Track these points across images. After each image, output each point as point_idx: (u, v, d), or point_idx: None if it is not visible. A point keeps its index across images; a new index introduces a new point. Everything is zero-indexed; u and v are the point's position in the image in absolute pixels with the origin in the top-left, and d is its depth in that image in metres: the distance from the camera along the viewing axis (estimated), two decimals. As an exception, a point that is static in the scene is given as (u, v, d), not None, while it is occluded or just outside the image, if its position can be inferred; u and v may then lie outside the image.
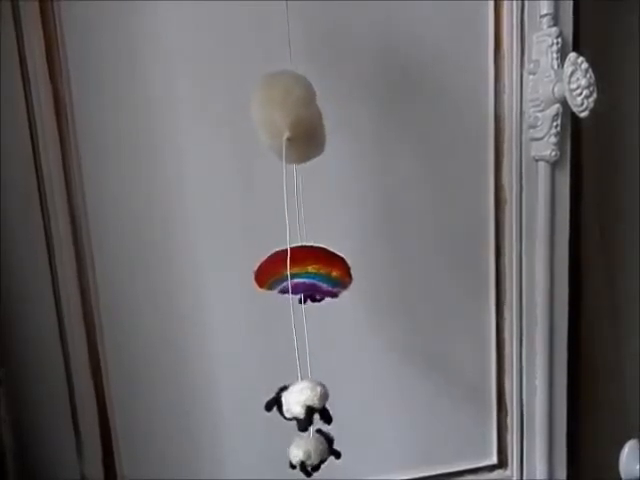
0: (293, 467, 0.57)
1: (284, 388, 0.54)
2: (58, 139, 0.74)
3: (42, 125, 0.73)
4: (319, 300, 0.61)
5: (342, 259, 0.57)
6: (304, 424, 0.51)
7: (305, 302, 0.61)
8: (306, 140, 0.55)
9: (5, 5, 0.70)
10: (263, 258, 0.59)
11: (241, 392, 0.84)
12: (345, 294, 0.58)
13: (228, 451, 0.85)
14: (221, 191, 0.79)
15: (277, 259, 0.58)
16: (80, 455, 0.81)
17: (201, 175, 0.79)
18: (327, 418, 0.52)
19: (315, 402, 0.51)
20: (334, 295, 0.58)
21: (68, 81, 0.73)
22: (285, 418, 0.54)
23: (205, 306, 0.81)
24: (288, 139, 0.53)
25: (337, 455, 0.57)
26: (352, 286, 0.59)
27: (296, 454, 0.54)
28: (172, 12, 0.75)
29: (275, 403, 0.54)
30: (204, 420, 0.84)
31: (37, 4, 0.71)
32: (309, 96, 0.55)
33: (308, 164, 0.58)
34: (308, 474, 0.55)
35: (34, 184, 0.74)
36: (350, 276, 0.58)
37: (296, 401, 0.51)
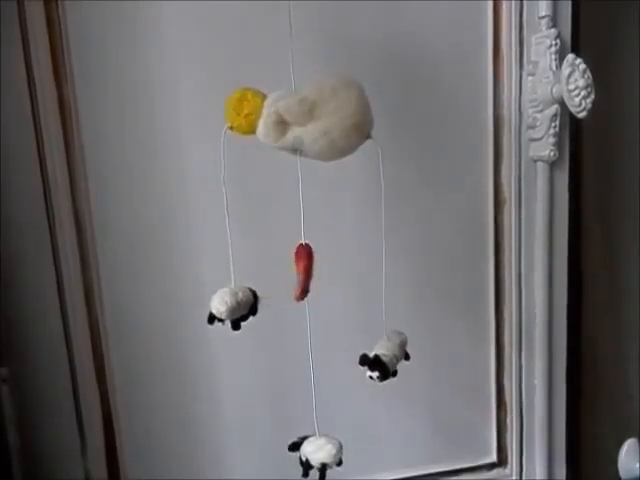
0: (306, 475, 0.59)
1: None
2: (63, 142, 0.75)
3: (47, 128, 0.74)
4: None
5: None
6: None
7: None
8: None
9: (11, 6, 0.71)
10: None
11: (243, 393, 0.85)
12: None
13: (230, 450, 0.86)
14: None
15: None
16: (84, 453, 0.82)
17: (205, 178, 0.78)
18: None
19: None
20: None
21: (73, 83, 0.74)
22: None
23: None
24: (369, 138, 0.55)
25: None
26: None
27: (325, 456, 0.58)
28: (177, 13, 0.75)
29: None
30: (207, 420, 0.85)
31: (42, 4, 0.72)
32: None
33: (308, 164, 0.58)
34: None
35: (40, 187, 0.75)
36: None
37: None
